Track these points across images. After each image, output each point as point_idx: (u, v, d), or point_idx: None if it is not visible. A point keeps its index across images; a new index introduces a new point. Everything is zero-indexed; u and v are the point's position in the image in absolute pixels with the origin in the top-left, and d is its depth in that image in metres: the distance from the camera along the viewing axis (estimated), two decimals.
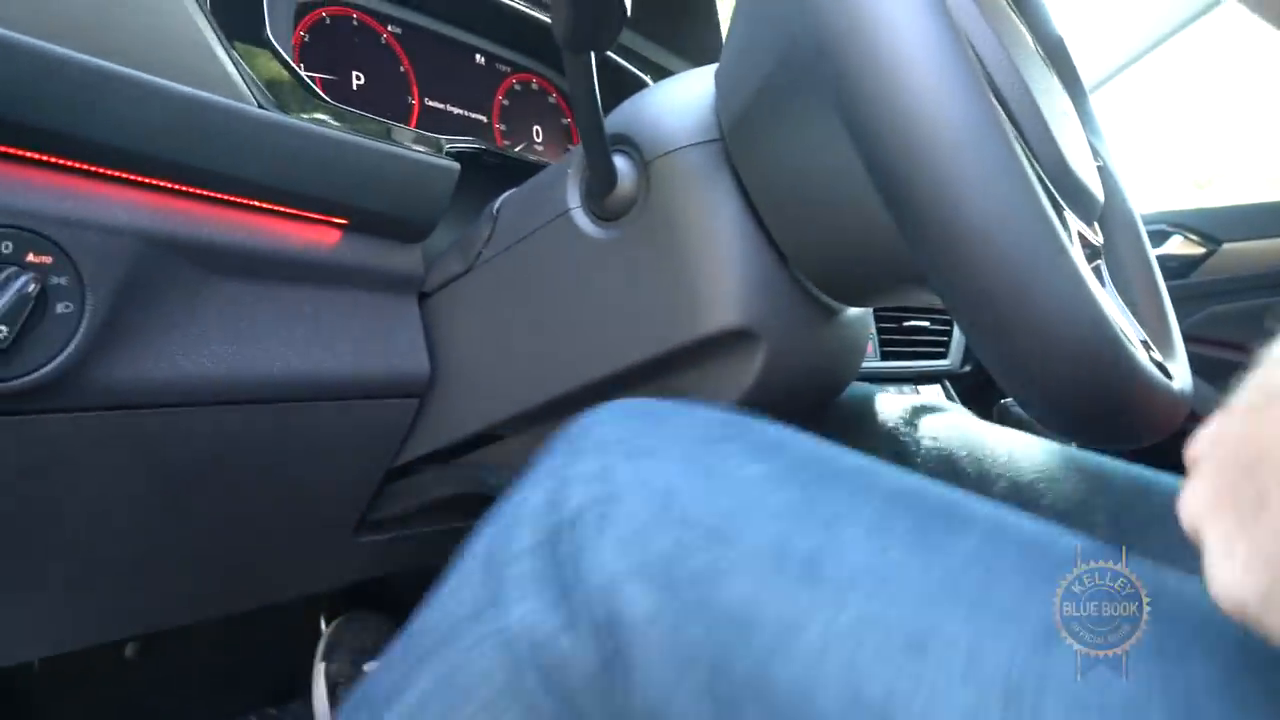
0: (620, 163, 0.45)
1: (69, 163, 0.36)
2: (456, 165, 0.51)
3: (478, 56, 0.70)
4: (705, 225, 0.43)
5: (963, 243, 0.27)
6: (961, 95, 0.27)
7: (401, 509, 0.59)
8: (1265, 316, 1.35)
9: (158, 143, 0.37)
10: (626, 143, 0.45)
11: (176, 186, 0.39)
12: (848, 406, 0.59)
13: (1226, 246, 1.38)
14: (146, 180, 0.38)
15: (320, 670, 0.88)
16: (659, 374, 0.46)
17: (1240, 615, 0.19)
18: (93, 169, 0.36)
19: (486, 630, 0.30)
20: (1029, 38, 0.46)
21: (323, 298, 0.48)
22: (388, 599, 0.95)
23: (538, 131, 0.74)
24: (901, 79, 0.27)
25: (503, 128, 0.71)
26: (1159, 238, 1.43)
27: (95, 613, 0.50)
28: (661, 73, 0.80)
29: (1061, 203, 0.38)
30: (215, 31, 0.40)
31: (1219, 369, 1.39)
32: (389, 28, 0.63)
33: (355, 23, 0.61)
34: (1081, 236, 0.40)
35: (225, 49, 0.41)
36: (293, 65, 0.46)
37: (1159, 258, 1.43)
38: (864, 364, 1.06)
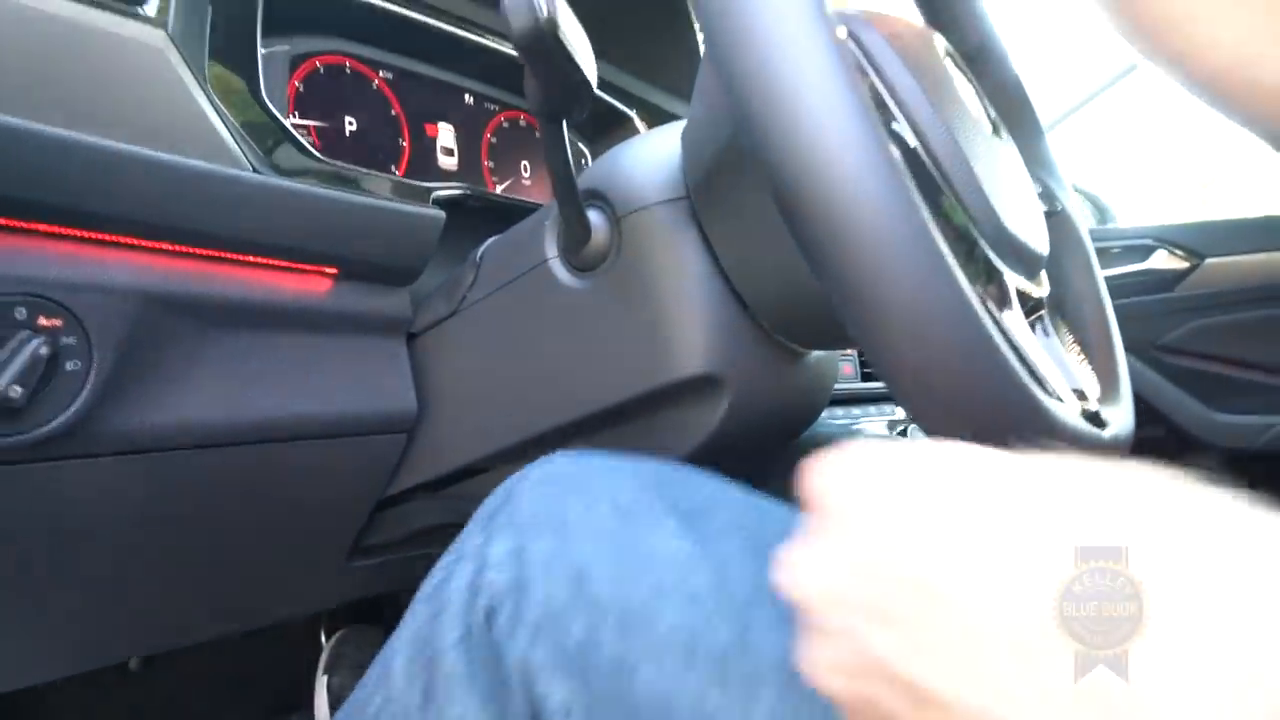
0: (594, 217, 0.48)
1: (74, 232, 0.39)
2: (442, 214, 0.54)
3: (467, 97, 0.73)
4: (673, 277, 0.46)
5: (878, 318, 0.29)
6: (874, 181, 0.29)
7: (392, 536, 0.62)
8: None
9: (157, 210, 0.40)
10: (601, 198, 0.48)
11: (175, 248, 0.42)
12: (813, 444, 0.61)
13: (1210, 261, 1.40)
14: (147, 244, 0.41)
15: (323, 683, 0.91)
16: (630, 416, 0.49)
17: None
18: (96, 236, 0.39)
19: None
20: (972, 92, 0.48)
21: (315, 342, 0.51)
22: (387, 613, 0.98)
23: (525, 167, 0.77)
24: (817, 166, 0.29)
25: (491, 164, 0.74)
26: (1144, 252, 1.46)
27: (101, 638, 0.53)
28: (643, 105, 0.82)
29: (998, 264, 0.41)
30: (209, 98, 0.43)
31: (1202, 382, 1.42)
32: (380, 73, 0.66)
33: (348, 70, 0.63)
34: (1021, 293, 0.43)
35: (220, 116, 0.44)
36: (284, 125, 0.48)
37: (1144, 272, 1.46)
38: (845, 385, 1.09)
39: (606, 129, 0.81)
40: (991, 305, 0.41)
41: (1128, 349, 1.36)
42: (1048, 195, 0.58)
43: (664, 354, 0.46)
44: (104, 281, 0.39)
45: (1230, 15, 0.35)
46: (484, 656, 0.30)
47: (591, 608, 0.29)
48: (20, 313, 0.37)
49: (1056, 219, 0.57)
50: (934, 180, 0.40)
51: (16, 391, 0.36)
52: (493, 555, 0.32)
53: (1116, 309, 0.99)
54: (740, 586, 0.30)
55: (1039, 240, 0.46)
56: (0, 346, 0.36)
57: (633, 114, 0.81)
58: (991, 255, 0.41)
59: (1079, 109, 1.89)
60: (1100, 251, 1.49)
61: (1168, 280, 1.44)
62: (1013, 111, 0.58)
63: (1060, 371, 0.44)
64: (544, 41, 0.36)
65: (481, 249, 0.55)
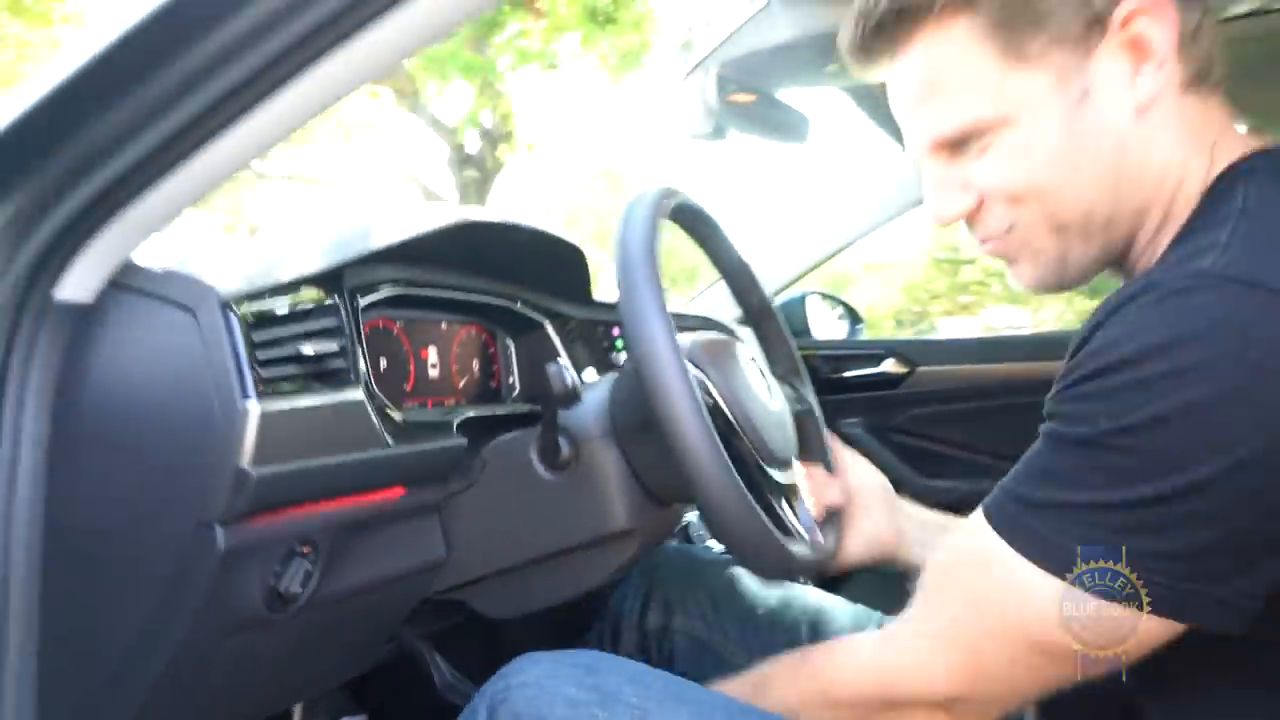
0: (562, 440, 0.87)
1: (319, 503, 0.73)
2: (464, 441, 0.90)
3: (443, 325, 1.09)
4: (607, 477, 0.87)
5: (705, 504, 0.72)
6: (702, 443, 0.70)
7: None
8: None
9: (353, 484, 0.76)
10: (566, 431, 0.87)
11: (354, 497, 0.77)
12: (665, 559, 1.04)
13: (921, 369, 1.97)
14: (342, 499, 0.76)
15: None
16: (580, 553, 0.88)
17: None
18: (325, 501, 0.74)
19: None
20: (758, 371, 0.92)
21: (392, 527, 0.86)
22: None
23: (476, 365, 1.14)
24: (677, 436, 0.70)
25: (457, 367, 1.10)
26: (878, 359, 2.01)
27: (266, 701, 0.86)
28: (551, 314, 1.21)
29: (766, 469, 0.85)
30: (376, 413, 0.78)
31: (915, 455, 1.98)
32: (397, 324, 1.01)
33: (380, 328, 0.98)
34: (779, 482, 0.87)
35: (379, 419, 0.78)
36: (388, 408, 0.83)
37: (879, 373, 2.01)
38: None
39: (528, 330, 1.20)
40: (769, 491, 0.85)
41: (868, 431, 1.92)
42: (799, 398, 1.03)
43: (601, 518, 0.87)
44: (327, 523, 0.74)
45: None
46: None
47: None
48: (299, 547, 0.71)
49: (803, 414, 1.02)
50: (738, 432, 0.83)
51: (298, 590, 0.71)
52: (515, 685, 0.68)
53: (860, 401, 1.57)
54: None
55: (789, 451, 0.90)
56: (289, 568, 0.71)
57: (545, 321, 1.20)
58: (765, 465, 0.85)
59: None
60: (849, 357, 2.03)
61: (894, 380, 1.99)
62: (779, 354, 1.04)
63: (801, 522, 0.88)
64: (569, 398, 0.76)
65: (487, 449, 0.92)
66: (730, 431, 0.84)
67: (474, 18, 0.67)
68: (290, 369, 0.69)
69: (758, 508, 0.74)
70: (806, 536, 0.88)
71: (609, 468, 0.87)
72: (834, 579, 1.33)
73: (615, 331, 1.34)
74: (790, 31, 1.16)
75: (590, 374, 1.17)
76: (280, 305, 0.72)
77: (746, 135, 1.35)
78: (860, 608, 1.01)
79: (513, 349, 1.20)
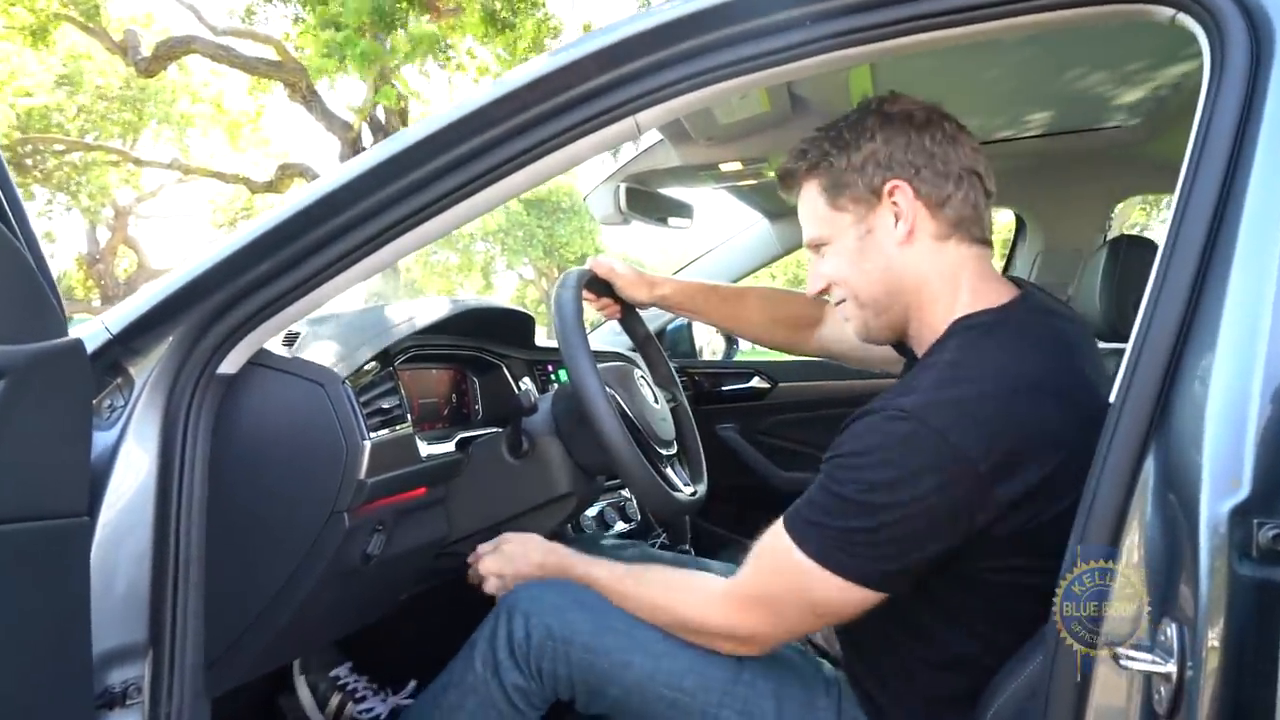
0: (524, 438, 1.34)
1: (389, 499, 1.18)
2: (460, 455, 1.35)
3: (433, 371, 1.53)
4: (553, 460, 1.35)
5: (620, 474, 1.21)
6: (615, 432, 1.18)
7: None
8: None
9: (403, 485, 1.20)
10: (525, 432, 1.34)
11: (403, 493, 1.22)
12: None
13: (780, 385, 2.51)
14: (399, 495, 1.20)
15: (301, 680, 1.61)
16: (536, 510, 1.35)
17: None
18: (391, 498, 1.18)
19: (496, 683, 1.12)
20: (649, 387, 1.41)
21: (419, 513, 1.31)
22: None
23: (454, 398, 1.59)
24: (600, 429, 1.18)
25: (443, 400, 1.55)
26: (748, 376, 2.54)
27: (312, 642, 1.29)
28: (505, 358, 1.66)
29: (656, 448, 1.34)
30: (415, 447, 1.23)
31: (776, 452, 2.52)
32: (406, 374, 1.44)
33: (396, 384, 1.42)
34: (665, 454, 1.36)
35: (417, 450, 1.23)
36: (417, 449, 1.28)
37: (748, 388, 2.54)
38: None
39: (489, 370, 1.65)
40: (659, 461, 1.34)
41: (739, 433, 2.52)
42: (673, 398, 1.53)
43: (550, 486, 1.34)
44: (392, 510, 1.18)
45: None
46: (523, 656, 1.11)
47: (564, 641, 1.10)
48: (378, 526, 1.15)
49: (678, 409, 1.52)
50: (638, 426, 1.33)
51: (377, 552, 1.15)
52: (516, 629, 1.12)
53: (734, 410, 2.18)
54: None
55: (669, 434, 1.40)
56: (373, 539, 1.15)
57: (502, 365, 1.65)
58: (656, 445, 1.34)
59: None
60: (725, 374, 2.55)
61: (760, 393, 2.53)
62: (659, 369, 1.53)
63: (680, 479, 1.38)
64: (532, 410, 1.24)
65: (472, 446, 1.38)
66: (633, 425, 1.32)
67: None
68: (377, 419, 1.13)
69: (654, 472, 1.23)
70: (684, 489, 1.38)
71: (554, 454, 1.35)
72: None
73: (550, 367, 1.82)
74: (675, 161, 1.66)
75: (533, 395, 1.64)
76: (363, 378, 1.16)
77: (646, 223, 1.83)
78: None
79: (478, 385, 1.66)
